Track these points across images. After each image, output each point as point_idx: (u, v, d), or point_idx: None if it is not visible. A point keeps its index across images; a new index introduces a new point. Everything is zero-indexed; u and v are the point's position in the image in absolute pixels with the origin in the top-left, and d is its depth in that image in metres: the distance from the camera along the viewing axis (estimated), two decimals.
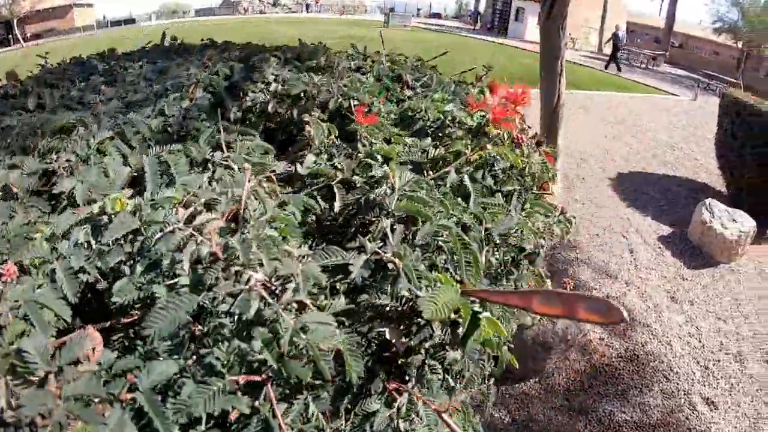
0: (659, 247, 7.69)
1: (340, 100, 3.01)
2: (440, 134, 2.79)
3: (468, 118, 2.79)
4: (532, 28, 34.04)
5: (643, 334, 5.82)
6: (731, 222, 7.33)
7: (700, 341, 5.81)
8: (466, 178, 2.30)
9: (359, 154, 2.29)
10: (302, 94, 3.13)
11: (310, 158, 2.25)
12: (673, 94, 20.10)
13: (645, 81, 22.47)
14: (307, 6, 50.66)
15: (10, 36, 41.53)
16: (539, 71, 8.91)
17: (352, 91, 3.11)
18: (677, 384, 5.21)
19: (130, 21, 44.84)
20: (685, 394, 5.09)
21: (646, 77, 23.64)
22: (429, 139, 2.66)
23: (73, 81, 3.83)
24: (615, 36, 24.17)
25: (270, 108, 3.06)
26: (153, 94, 3.14)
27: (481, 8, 41.58)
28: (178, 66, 3.84)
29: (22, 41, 39.81)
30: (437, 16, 50.56)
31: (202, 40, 5.54)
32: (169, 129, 2.56)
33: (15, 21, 40.09)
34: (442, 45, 26.36)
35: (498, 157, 2.52)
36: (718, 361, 5.55)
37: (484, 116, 2.76)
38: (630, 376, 5.26)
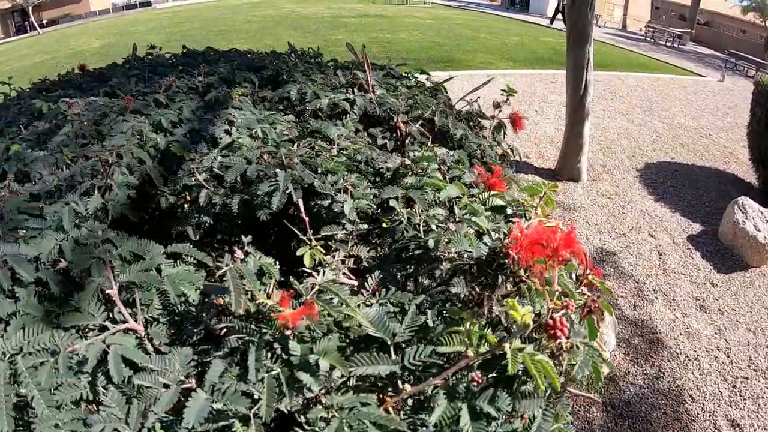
0: (688, 248, 7.32)
1: (290, 190, 2.30)
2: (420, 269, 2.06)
3: (467, 242, 1.92)
4: (554, 3, 33.33)
5: (669, 349, 5.54)
6: (765, 223, 6.96)
7: (728, 356, 5.49)
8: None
9: None
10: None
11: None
12: (700, 75, 19.52)
13: (671, 60, 21.98)
14: None
15: (27, 23, 41.80)
16: (566, 54, 8.53)
17: (330, 170, 2.48)
18: (702, 404, 4.93)
19: (146, 4, 44.75)
20: (710, 416, 4.82)
21: (671, 56, 23.15)
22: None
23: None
24: None
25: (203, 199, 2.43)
26: (64, 181, 2.48)
27: None
28: (120, 114, 3.18)
29: (38, 28, 40.02)
30: None
31: (183, 47, 5.38)
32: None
33: (30, 8, 40.28)
34: (462, 24, 25.91)
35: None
36: (746, 378, 5.25)
37: (502, 237, 1.90)
38: (654, 396, 4.99)
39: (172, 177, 2.57)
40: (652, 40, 26.98)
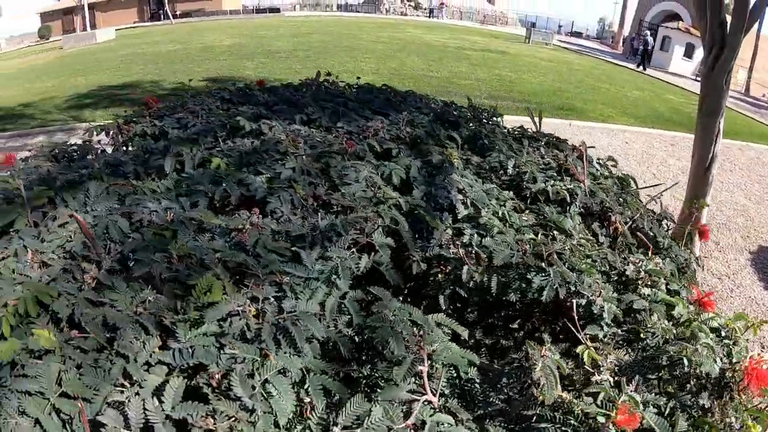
0: None
1: (557, 286, 2.34)
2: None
3: (710, 363, 2.16)
4: (677, 60, 32.30)
5: None
6: None
7: None
8: None
9: None
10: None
11: None
12: None
13: None
14: (431, 11, 50.33)
15: (161, 12, 44.18)
16: (696, 121, 8.21)
17: (583, 272, 2.46)
18: None
19: (275, 10, 46.60)
20: None
21: None
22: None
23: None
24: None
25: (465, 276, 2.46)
26: (317, 230, 2.49)
27: (626, 32, 39.77)
28: (339, 155, 3.23)
29: (171, 18, 42.18)
30: (578, 35, 48.93)
31: (357, 77, 5.36)
32: None
33: None
34: (583, 70, 25.49)
35: None
36: None
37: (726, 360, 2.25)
38: None
39: (419, 243, 2.59)
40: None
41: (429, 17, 48.68)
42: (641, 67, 29.38)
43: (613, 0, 52.90)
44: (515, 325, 2.77)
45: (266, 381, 1.65)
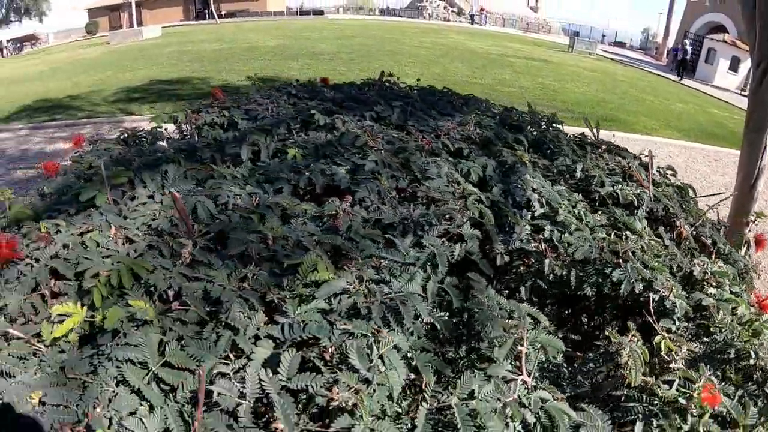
0: None
1: (633, 281, 2.48)
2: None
3: None
4: (722, 73, 31.78)
5: None
6: None
7: None
8: None
9: None
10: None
11: None
12: None
13: None
14: (472, 17, 50.34)
15: (206, 11, 44.92)
16: (742, 137, 8.15)
17: (655, 269, 2.60)
18: None
19: (319, 12, 47.11)
20: None
21: None
22: None
23: None
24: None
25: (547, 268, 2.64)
26: (408, 219, 2.62)
27: (670, 43, 39.31)
28: (418, 151, 3.40)
29: (216, 17, 42.84)
30: (621, 45, 48.63)
31: (417, 79, 5.50)
32: None
33: None
34: (627, 81, 25.28)
35: None
36: None
37: None
38: None
39: (500, 237, 2.75)
40: None
41: (471, 23, 48.66)
42: (679, 77, 29.36)
43: (658, 10, 52.23)
44: (584, 319, 2.92)
45: (381, 356, 1.71)
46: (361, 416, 1.52)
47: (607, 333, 2.17)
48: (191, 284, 2.03)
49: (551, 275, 2.58)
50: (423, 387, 1.72)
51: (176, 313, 1.94)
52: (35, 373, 1.80)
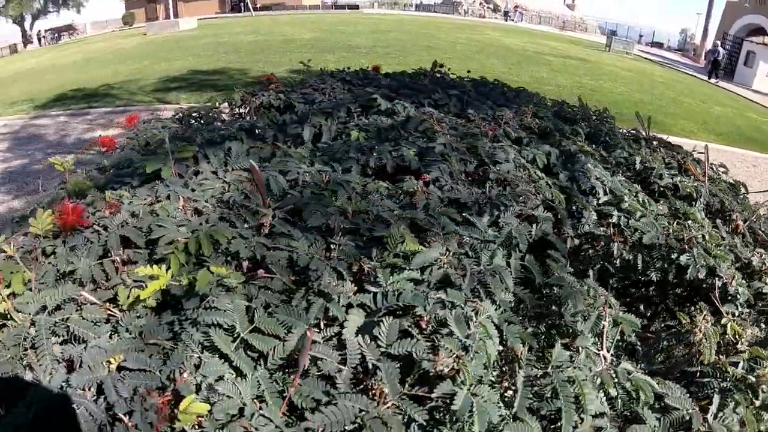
0: None
1: (698, 266, 2.57)
2: None
3: None
4: (762, 77, 31.15)
5: None
6: None
7: None
8: None
9: None
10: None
11: None
12: None
13: None
14: (506, 13, 50.00)
15: (241, 4, 45.27)
16: None
17: (718, 257, 2.67)
18: None
19: (354, 6, 47.28)
20: None
21: None
22: None
23: None
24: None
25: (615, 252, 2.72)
26: (482, 199, 2.71)
27: (708, 45, 38.64)
28: (483, 137, 3.48)
29: (252, 10, 43.14)
30: (659, 45, 47.83)
31: (468, 71, 5.56)
32: None
33: None
34: (665, 83, 24.97)
35: None
36: None
37: None
38: None
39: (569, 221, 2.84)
40: None
41: (505, 20, 48.35)
42: (712, 78, 29.01)
43: (696, 11, 51.40)
44: (641, 307, 3.02)
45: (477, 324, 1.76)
46: (463, 382, 1.56)
47: (678, 316, 2.27)
48: (275, 253, 2.07)
49: (618, 259, 2.67)
50: (518, 356, 1.78)
51: (261, 280, 1.96)
52: (110, 338, 1.83)
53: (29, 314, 1.85)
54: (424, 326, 1.78)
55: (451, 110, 4.22)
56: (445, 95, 4.46)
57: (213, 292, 1.86)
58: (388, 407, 1.53)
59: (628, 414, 1.88)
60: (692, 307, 2.47)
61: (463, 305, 1.81)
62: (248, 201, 2.49)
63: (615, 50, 34.34)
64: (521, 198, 2.66)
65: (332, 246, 2.15)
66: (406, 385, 1.60)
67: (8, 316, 1.87)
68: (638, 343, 2.29)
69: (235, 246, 2.07)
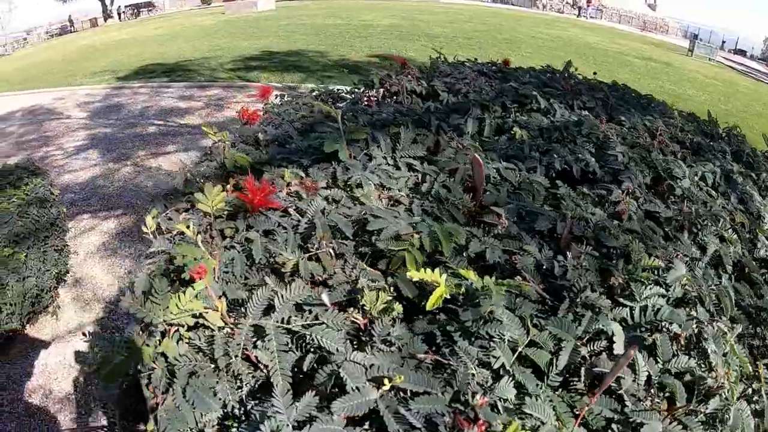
0: None
1: None
2: None
3: None
4: None
5: None
6: None
7: None
8: None
9: None
10: None
11: None
12: None
13: None
14: (580, 9, 48.70)
15: None
16: None
17: None
18: None
19: None
20: None
21: None
22: None
23: None
24: None
25: None
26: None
27: None
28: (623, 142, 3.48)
29: None
30: (742, 53, 45.86)
31: (594, 72, 5.40)
32: None
33: None
34: (748, 94, 24.00)
35: None
36: None
37: None
38: None
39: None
40: None
41: (578, 15, 47.21)
42: None
43: None
44: None
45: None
46: (728, 398, 1.65)
47: None
48: (523, 258, 1.95)
49: None
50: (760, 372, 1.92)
51: (515, 288, 1.72)
52: (364, 351, 1.54)
53: (248, 316, 1.60)
54: (682, 343, 1.79)
55: (599, 115, 4.15)
56: (591, 98, 4.31)
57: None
58: (674, 425, 1.55)
59: None
60: None
61: (705, 323, 1.84)
62: (450, 195, 2.33)
63: (697, 55, 33.22)
64: (717, 217, 2.70)
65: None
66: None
67: (224, 322, 1.62)
68: None
69: (474, 247, 1.93)
